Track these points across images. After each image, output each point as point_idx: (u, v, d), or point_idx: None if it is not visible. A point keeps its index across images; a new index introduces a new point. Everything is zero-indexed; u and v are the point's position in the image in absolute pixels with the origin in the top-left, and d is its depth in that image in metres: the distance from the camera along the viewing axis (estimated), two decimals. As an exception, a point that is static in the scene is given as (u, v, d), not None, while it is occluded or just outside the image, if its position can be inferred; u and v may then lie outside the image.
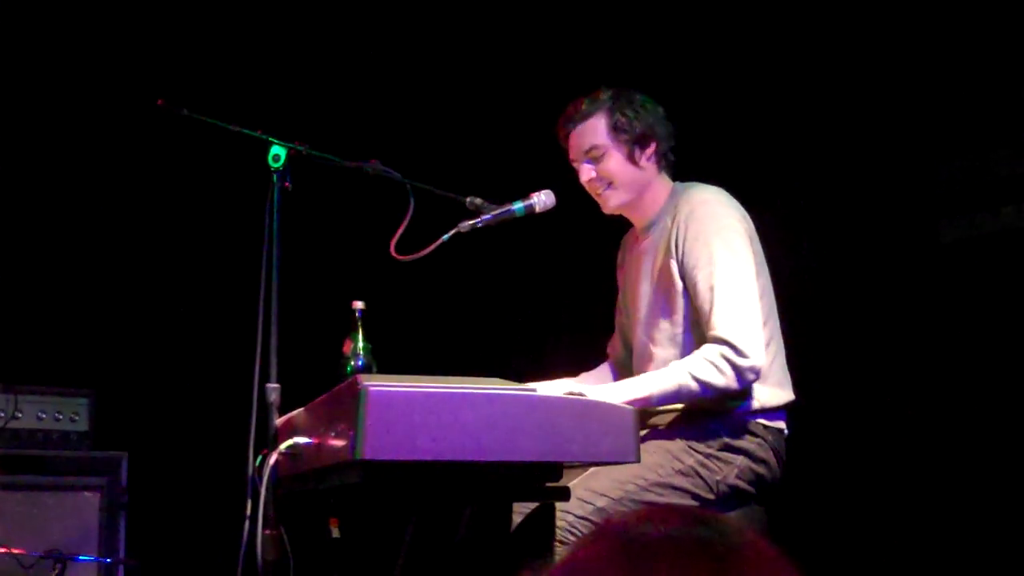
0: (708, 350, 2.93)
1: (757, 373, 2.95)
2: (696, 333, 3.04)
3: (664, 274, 3.11)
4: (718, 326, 2.94)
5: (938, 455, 4.11)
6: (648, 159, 3.18)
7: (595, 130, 3.18)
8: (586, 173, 3.19)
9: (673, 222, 3.10)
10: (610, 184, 3.18)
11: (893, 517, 4.17)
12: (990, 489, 3.97)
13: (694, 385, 2.90)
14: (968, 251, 4.17)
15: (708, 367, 2.91)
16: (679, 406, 3.05)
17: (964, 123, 4.18)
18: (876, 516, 4.20)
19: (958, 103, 4.18)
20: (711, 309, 2.96)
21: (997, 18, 4.07)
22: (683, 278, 3.06)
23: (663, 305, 3.12)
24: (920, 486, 4.13)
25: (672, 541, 1.13)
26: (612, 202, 3.21)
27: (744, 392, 3.01)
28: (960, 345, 4.13)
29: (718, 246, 3.00)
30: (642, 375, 3.04)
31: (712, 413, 3.03)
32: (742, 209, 3.13)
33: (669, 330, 3.10)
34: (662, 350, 3.12)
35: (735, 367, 2.91)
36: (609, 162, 3.17)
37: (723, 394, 2.95)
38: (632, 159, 3.16)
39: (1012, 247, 4.06)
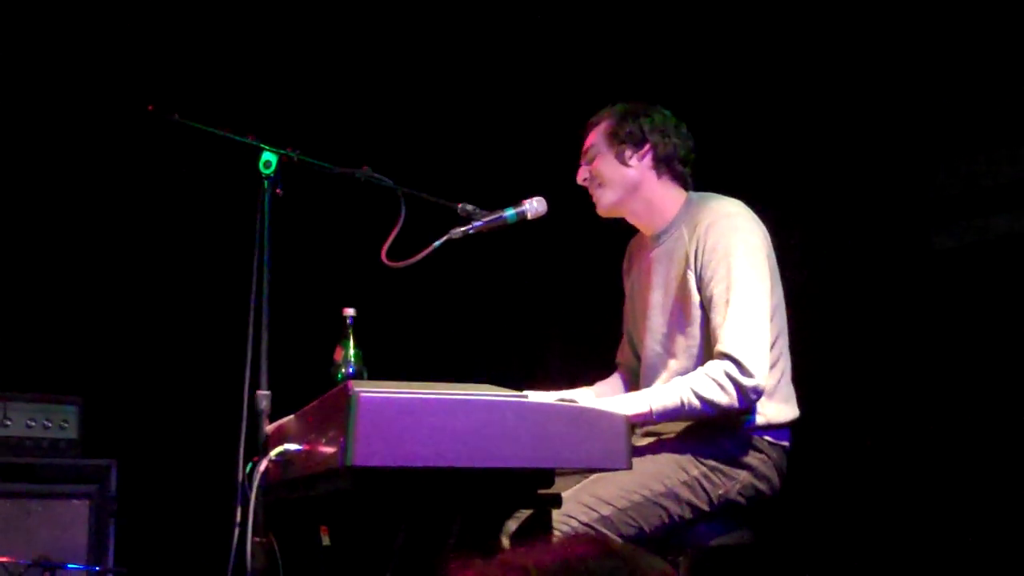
0: (712, 367, 2.93)
1: (759, 393, 2.94)
2: (711, 345, 3.02)
3: (681, 285, 3.10)
4: (726, 342, 2.93)
5: (932, 462, 4.10)
6: (640, 160, 3.18)
7: (597, 133, 3.24)
8: (581, 173, 3.25)
9: (692, 233, 3.09)
10: (599, 184, 3.20)
11: (884, 525, 4.16)
12: (984, 494, 3.96)
13: (696, 402, 2.89)
14: (961, 259, 4.18)
15: (711, 384, 2.90)
16: None
17: (957, 132, 4.19)
18: (868, 525, 4.20)
19: (951, 112, 4.19)
20: (722, 324, 2.96)
21: (990, 28, 4.08)
22: (700, 290, 3.05)
23: (679, 316, 3.11)
24: (914, 493, 4.12)
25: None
26: (602, 201, 3.23)
27: (750, 408, 3.00)
28: (953, 352, 4.13)
29: (737, 261, 2.99)
30: (644, 390, 3.03)
31: (720, 426, 3.02)
32: (762, 224, 3.12)
33: (684, 342, 3.09)
34: (677, 362, 3.11)
35: (738, 386, 2.90)
36: (599, 162, 3.20)
37: (724, 412, 2.94)
38: (622, 159, 3.18)
39: (1005, 255, 4.06)
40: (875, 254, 4.35)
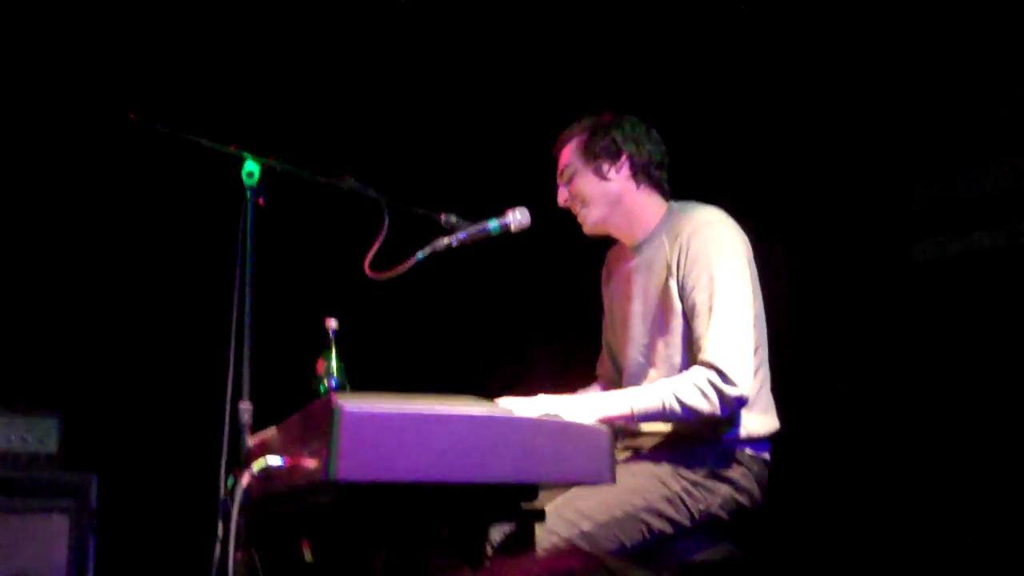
0: (696, 374, 2.92)
1: (742, 402, 2.93)
2: (692, 354, 3.02)
3: (662, 294, 3.09)
4: (709, 351, 2.92)
5: (913, 474, 4.10)
6: (619, 172, 3.17)
7: (569, 152, 3.23)
8: (561, 195, 3.24)
9: (674, 242, 3.08)
10: (583, 204, 3.19)
11: (867, 537, 4.15)
12: (968, 512, 3.96)
13: (677, 407, 2.88)
14: (940, 271, 4.18)
15: (694, 391, 2.89)
16: (666, 429, 3.03)
17: (938, 145, 4.20)
18: (850, 537, 4.19)
19: (932, 125, 4.20)
20: (705, 333, 2.95)
21: (969, 43, 4.09)
22: (682, 299, 3.04)
23: (660, 326, 3.10)
24: (894, 504, 4.12)
25: None
26: (589, 220, 3.21)
27: (731, 419, 2.99)
28: (932, 364, 4.13)
29: (720, 270, 2.98)
30: (627, 389, 3.02)
31: (700, 439, 3.01)
32: (742, 232, 3.12)
33: (665, 351, 3.08)
34: (657, 371, 3.10)
35: (720, 394, 2.89)
36: (578, 180, 3.19)
37: (705, 419, 2.93)
38: (600, 173, 3.17)
39: (984, 268, 4.07)
40: (855, 266, 4.36)
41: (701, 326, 2.97)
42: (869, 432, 4.21)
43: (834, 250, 4.40)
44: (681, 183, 3.33)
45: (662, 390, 2.91)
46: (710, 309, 2.96)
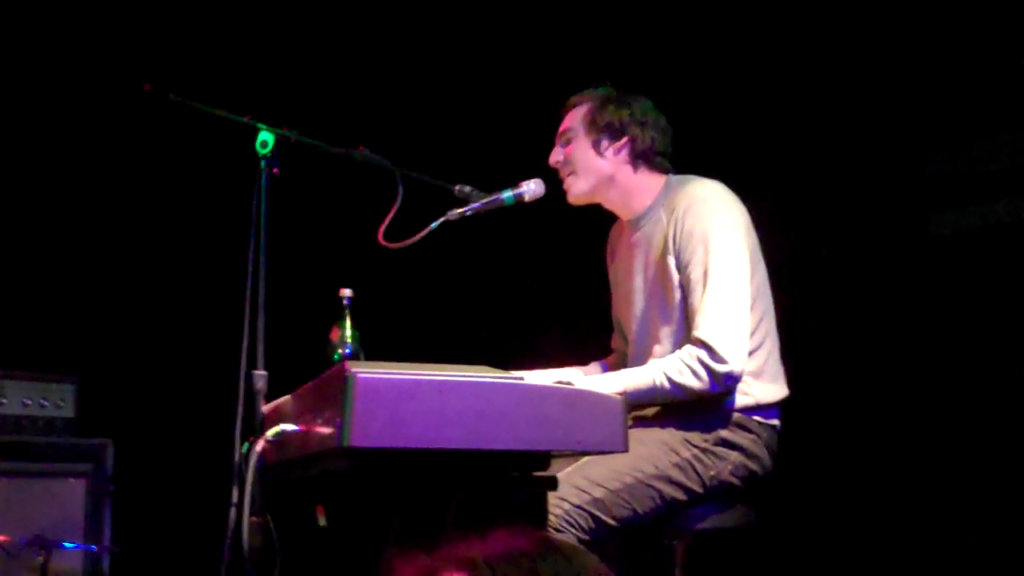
0: (686, 352, 2.92)
1: (733, 379, 2.93)
2: (689, 330, 3.02)
3: (661, 269, 3.09)
4: (701, 327, 2.93)
5: (927, 448, 4.11)
6: (616, 153, 3.16)
7: (575, 116, 3.22)
8: (554, 154, 3.24)
9: (671, 217, 3.08)
10: (572, 171, 3.19)
11: (882, 510, 4.17)
12: (981, 482, 3.97)
13: (668, 386, 2.90)
14: (958, 244, 4.18)
15: (684, 369, 2.90)
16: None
17: (956, 116, 4.18)
18: (865, 509, 4.21)
19: (951, 96, 4.18)
20: (698, 309, 2.95)
21: (989, 11, 4.06)
22: (679, 274, 3.04)
23: (660, 301, 3.10)
24: (909, 479, 4.13)
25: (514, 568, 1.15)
26: (573, 189, 3.22)
27: (740, 387, 3.00)
28: (949, 337, 4.13)
29: (715, 244, 2.98)
30: (620, 371, 3.03)
31: (709, 407, 3.02)
32: (740, 203, 3.11)
33: (666, 327, 3.09)
34: (661, 346, 3.11)
35: (711, 372, 2.89)
36: (574, 147, 3.19)
37: (698, 397, 2.93)
38: (597, 148, 3.16)
39: (1002, 241, 4.06)
40: (872, 238, 4.35)
41: (695, 302, 2.97)
42: (884, 404, 4.22)
43: (851, 221, 4.39)
44: (695, 155, 3.33)
45: (653, 370, 2.92)
46: (704, 286, 2.95)
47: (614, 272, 3.38)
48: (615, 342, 3.49)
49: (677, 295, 3.05)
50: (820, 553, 4.19)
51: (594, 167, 3.18)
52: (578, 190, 3.21)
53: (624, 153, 3.17)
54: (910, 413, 4.16)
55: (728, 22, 4.60)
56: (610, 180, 3.18)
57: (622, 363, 3.42)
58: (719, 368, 2.89)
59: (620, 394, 2.81)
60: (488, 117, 5.01)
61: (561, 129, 3.23)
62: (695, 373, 2.89)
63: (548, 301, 5.07)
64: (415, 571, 1.20)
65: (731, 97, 4.54)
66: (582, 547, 1.29)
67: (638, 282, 3.19)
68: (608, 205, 3.27)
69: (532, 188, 3.12)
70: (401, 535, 2.83)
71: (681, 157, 3.27)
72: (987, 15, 4.07)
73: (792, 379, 3.17)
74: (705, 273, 2.96)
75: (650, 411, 3.09)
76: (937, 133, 4.24)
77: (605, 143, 3.16)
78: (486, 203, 3.08)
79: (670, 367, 2.91)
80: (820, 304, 4.32)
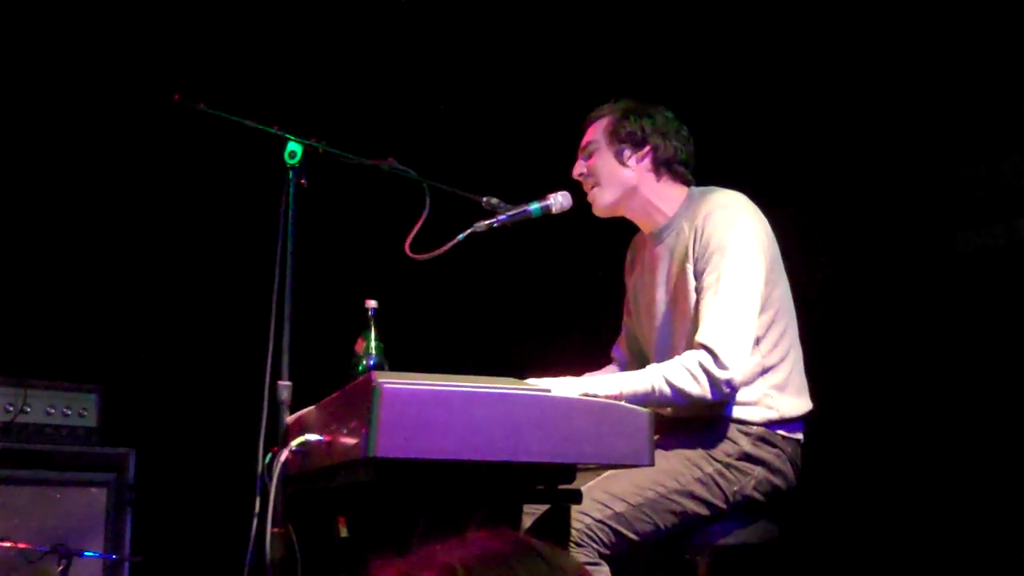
0: (688, 356, 2.91)
1: (733, 387, 2.91)
2: None
3: (682, 279, 3.09)
4: (704, 333, 2.91)
5: (952, 464, 4.08)
6: (639, 162, 3.16)
7: (597, 128, 3.22)
8: (577, 168, 3.24)
9: (691, 228, 3.08)
10: (596, 183, 3.19)
11: (905, 524, 4.14)
12: (1008, 499, 3.94)
13: (667, 389, 2.86)
14: (983, 261, 4.15)
15: (683, 374, 2.87)
16: (696, 413, 3.03)
17: (982, 133, 4.17)
18: (889, 523, 4.18)
19: (977, 113, 4.16)
20: (704, 314, 2.94)
21: (1017, 28, 4.05)
22: (697, 280, 3.04)
23: (682, 310, 3.09)
24: (933, 494, 4.11)
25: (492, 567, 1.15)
26: (598, 201, 3.22)
27: (729, 400, 2.98)
28: (973, 354, 4.11)
29: (730, 251, 2.97)
30: (617, 374, 3.02)
31: (732, 422, 3.01)
32: (761, 215, 3.10)
33: (687, 337, 3.07)
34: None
35: (711, 377, 2.87)
36: (597, 159, 3.19)
37: (696, 403, 2.90)
38: (620, 158, 3.17)
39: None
40: (898, 254, 4.33)
41: (702, 308, 2.96)
42: (909, 420, 4.20)
43: (876, 237, 4.38)
44: (722, 168, 3.32)
45: (652, 374, 2.89)
46: (715, 292, 2.95)
47: (632, 283, 3.38)
48: (616, 350, 3.49)
49: (695, 303, 3.04)
50: (844, 569, 4.16)
51: (618, 177, 3.18)
52: (603, 202, 3.21)
53: (647, 162, 3.18)
54: (934, 429, 4.14)
55: (756, 37, 4.60)
56: (634, 190, 3.19)
57: (623, 370, 3.41)
58: (719, 374, 2.87)
59: (617, 395, 2.81)
60: (515, 129, 5.01)
61: (583, 143, 3.24)
62: (695, 378, 2.87)
63: (575, 310, 5.06)
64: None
65: (758, 112, 4.54)
66: (560, 548, 1.28)
67: (660, 294, 3.18)
68: (631, 216, 3.27)
69: (560, 200, 3.12)
70: (422, 546, 2.82)
71: (706, 171, 3.28)
72: (1015, 32, 4.05)
73: (816, 394, 3.15)
74: (717, 279, 2.96)
75: (675, 426, 3.07)
76: (962, 149, 4.22)
77: (628, 153, 3.17)
78: (513, 215, 3.07)
79: (669, 371, 2.88)
80: (845, 320, 4.30)
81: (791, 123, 4.50)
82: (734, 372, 2.88)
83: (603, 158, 3.19)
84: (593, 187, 3.21)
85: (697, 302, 3.01)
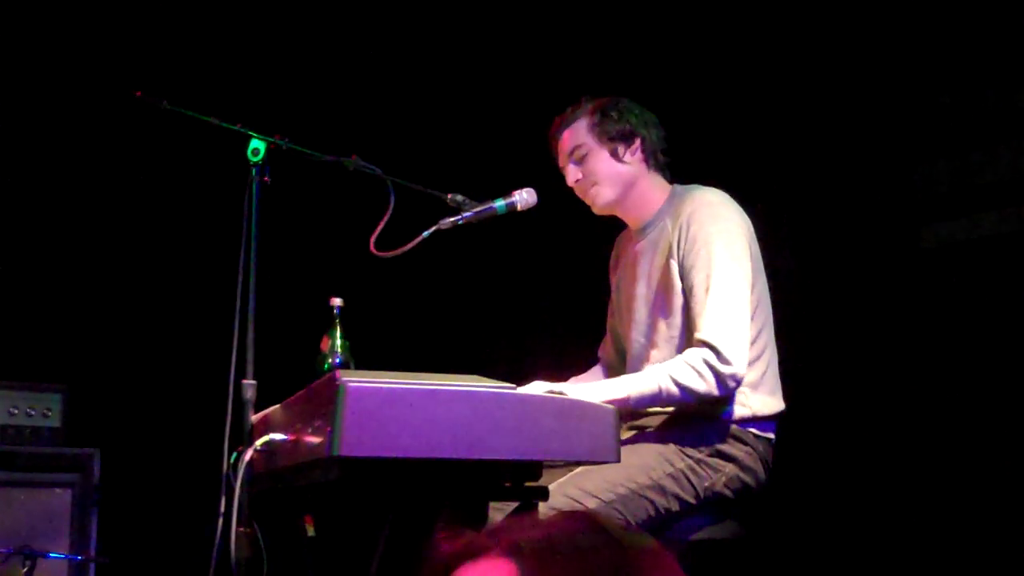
0: (691, 354, 2.92)
1: (738, 381, 2.93)
2: (691, 334, 3.02)
3: (664, 275, 3.10)
4: (705, 330, 2.93)
5: (920, 460, 4.10)
6: (633, 155, 3.19)
7: (579, 131, 3.23)
8: (572, 175, 3.23)
9: (675, 224, 3.10)
10: (595, 183, 3.19)
11: (875, 520, 4.16)
12: (975, 495, 3.97)
13: (674, 389, 2.89)
14: (949, 256, 4.17)
15: (689, 372, 2.89)
16: (670, 409, 3.03)
17: (947, 129, 4.19)
18: (856, 520, 4.20)
19: (942, 108, 4.18)
20: (701, 312, 2.96)
21: (983, 25, 4.07)
22: (682, 279, 3.05)
23: (662, 306, 3.11)
24: (901, 491, 4.12)
25: (570, 543, 1.14)
26: (600, 200, 3.22)
27: (737, 399, 3.00)
28: (940, 350, 4.13)
29: (718, 250, 2.99)
30: (622, 376, 3.03)
31: (705, 418, 3.02)
32: (744, 213, 3.13)
33: (666, 332, 3.09)
34: (659, 351, 3.11)
35: (716, 373, 2.89)
36: (592, 160, 3.19)
37: (702, 399, 2.93)
38: (616, 156, 3.18)
39: (992, 253, 4.06)
40: (863, 250, 4.35)
41: (697, 306, 2.98)
42: (875, 417, 4.21)
43: (842, 233, 4.39)
44: (688, 166, 3.33)
45: (658, 374, 2.91)
46: (707, 289, 2.96)
47: (616, 280, 3.39)
48: (602, 350, 3.50)
49: (679, 300, 3.06)
50: (813, 566, 4.18)
51: (617, 174, 3.20)
52: (604, 200, 3.22)
53: (639, 153, 3.21)
54: (902, 425, 4.15)
55: (718, 34, 4.60)
56: (632, 184, 3.21)
57: (610, 371, 3.42)
58: (724, 369, 2.89)
59: (625, 399, 2.85)
60: (480, 126, 5.00)
61: (567, 149, 3.23)
62: (700, 375, 2.89)
63: (539, 310, 5.06)
64: (458, 549, 1.18)
65: (721, 109, 4.54)
66: (634, 528, 1.28)
67: (640, 289, 3.20)
68: (624, 212, 3.28)
69: (524, 197, 3.12)
70: (390, 545, 2.81)
71: (676, 168, 3.29)
72: (979, 28, 4.08)
73: (784, 392, 3.16)
74: (708, 277, 2.97)
75: (647, 421, 3.08)
76: (928, 145, 4.24)
77: (622, 149, 3.19)
78: (478, 212, 3.07)
79: (675, 370, 2.90)
80: (810, 317, 4.31)
81: (754, 121, 4.51)
82: (738, 367, 2.90)
83: (598, 158, 3.20)
84: (592, 187, 3.21)
85: (687, 300, 3.02)
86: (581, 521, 1.19)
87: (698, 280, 2.99)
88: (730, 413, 3.03)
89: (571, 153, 3.22)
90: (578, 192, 3.26)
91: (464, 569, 1.17)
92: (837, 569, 4.18)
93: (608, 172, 3.19)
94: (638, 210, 3.24)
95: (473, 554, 1.18)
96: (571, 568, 1.13)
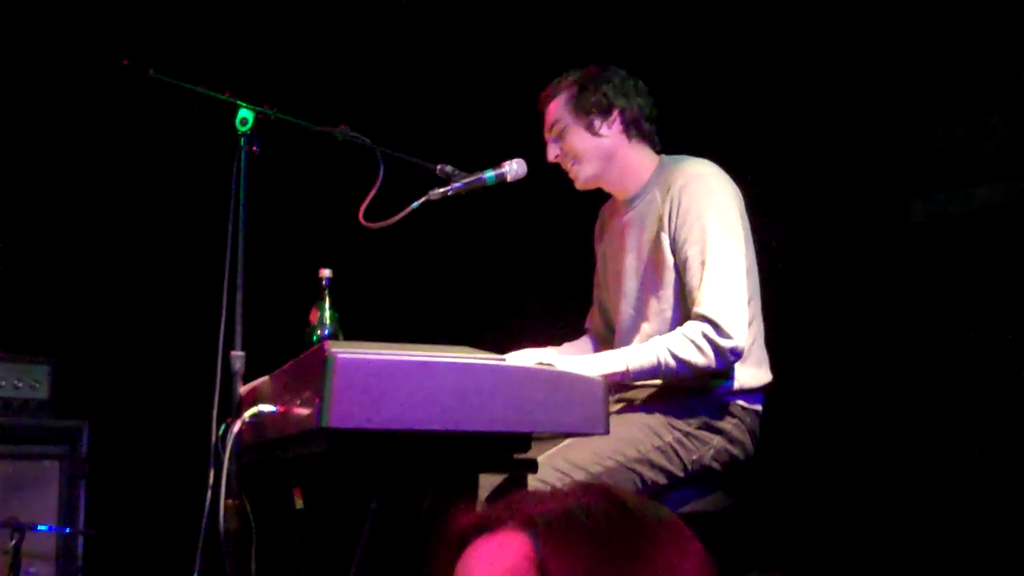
0: (690, 328, 2.91)
1: (737, 355, 2.93)
2: (685, 308, 3.02)
3: (654, 248, 3.08)
4: (703, 303, 2.92)
5: (906, 434, 4.11)
6: (611, 127, 3.15)
7: (557, 107, 3.20)
8: (551, 151, 3.22)
9: (666, 195, 3.07)
10: (576, 159, 3.17)
11: (863, 495, 4.17)
12: (961, 468, 3.98)
13: (672, 362, 2.88)
14: (939, 230, 4.17)
15: (688, 345, 2.89)
16: (658, 381, 3.03)
17: (937, 101, 4.17)
18: (846, 494, 4.21)
19: (932, 80, 4.17)
20: (698, 285, 2.95)
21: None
22: (674, 252, 3.03)
23: (652, 279, 3.09)
24: (888, 465, 4.13)
25: (586, 515, 1.14)
26: (581, 176, 3.20)
27: (725, 372, 3.00)
28: (928, 324, 4.13)
29: (712, 222, 2.97)
30: (620, 349, 3.02)
31: (693, 391, 3.02)
32: (734, 184, 3.11)
33: (657, 305, 3.08)
34: (649, 325, 3.10)
35: (715, 347, 2.89)
36: (570, 136, 3.17)
37: (701, 373, 2.92)
38: (592, 129, 3.15)
39: (983, 227, 4.06)
40: (853, 224, 4.34)
41: (694, 279, 2.96)
42: (863, 390, 4.22)
43: (832, 206, 4.39)
44: (675, 136, 3.31)
45: (657, 347, 2.91)
46: (703, 263, 2.95)
47: (601, 252, 3.38)
48: (590, 321, 3.49)
49: (670, 274, 3.04)
50: (802, 538, 4.19)
51: (594, 148, 3.17)
52: (586, 175, 3.20)
53: (617, 125, 3.17)
54: (889, 399, 4.16)
55: (708, 4, 4.58)
56: (612, 157, 3.18)
57: (599, 341, 3.42)
58: (724, 343, 2.88)
59: (624, 372, 2.86)
60: (470, 97, 4.98)
61: (548, 124, 3.21)
62: (700, 349, 2.88)
63: (528, 280, 5.05)
64: (473, 522, 1.18)
65: (709, 82, 4.52)
66: (650, 499, 1.26)
67: (629, 261, 3.18)
68: (608, 185, 3.26)
69: (514, 168, 3.10)
70: (379, 517, 2.81)
71: (663, 140, 3.26)
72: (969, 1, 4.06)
73: (772, 363, 3.16)
74: (703, 250, 2.96)
75: (635, 394, 3.08)
76: (918, 117, 4.23)
77: (598, 122, 3.15)
78: (468, 183, 3.06)
79: (675, 343, 2.90)
80: (799, 291, 4.31)
81: (741, 94, 4.49)
82: (738, 340, 2.90)
83: (575, 134, 3.17)
84: (573, 164, 3.19)
85: (680, 274, 3.02)
86: (598, 494, 1.18)
87: (692, 253, 2.98)
88: (718, 386, 3.02)
89: (551, 129, 3.20)
90: (563, 167, 3.24)
91: (479, 542, 1.17)
92: (826, 540, 4.19)
93: (585, 147, 3.16)
94: (623, 182, 3.22)
95: (488, 527, 1.17)
96: (587, 541, 1.12)
